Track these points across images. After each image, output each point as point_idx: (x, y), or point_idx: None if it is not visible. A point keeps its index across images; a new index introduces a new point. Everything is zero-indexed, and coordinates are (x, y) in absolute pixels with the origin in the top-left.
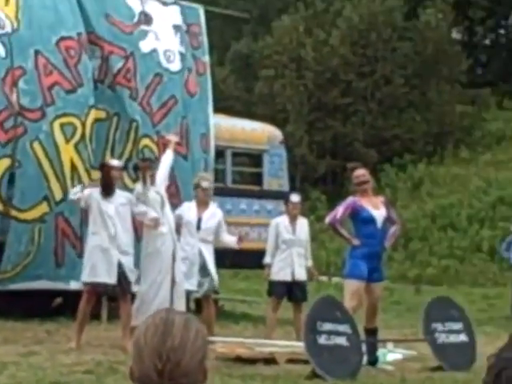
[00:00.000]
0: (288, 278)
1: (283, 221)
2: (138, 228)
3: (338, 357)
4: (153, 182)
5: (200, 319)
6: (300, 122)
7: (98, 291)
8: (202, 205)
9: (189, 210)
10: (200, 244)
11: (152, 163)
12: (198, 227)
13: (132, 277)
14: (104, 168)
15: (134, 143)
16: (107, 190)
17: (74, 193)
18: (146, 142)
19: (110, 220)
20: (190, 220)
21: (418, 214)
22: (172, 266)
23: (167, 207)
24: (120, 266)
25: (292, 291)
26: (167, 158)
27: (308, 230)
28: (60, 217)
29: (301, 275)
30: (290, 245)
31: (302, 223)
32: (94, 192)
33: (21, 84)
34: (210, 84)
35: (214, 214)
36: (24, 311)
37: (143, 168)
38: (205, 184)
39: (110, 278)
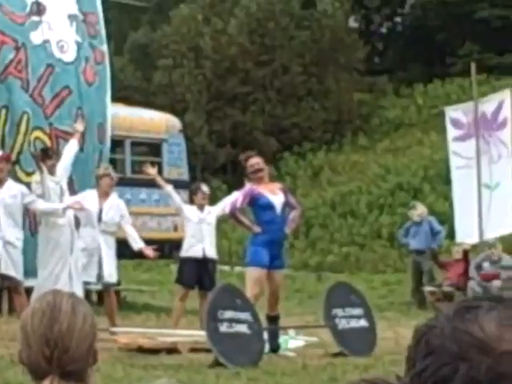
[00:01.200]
0: (199, 254)
1: (191, 208)
2: (32, 221)
3: (239, 344)
4: (53, 173)
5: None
6: (199, 112)
7: None
8: (104, 195)
9: (89, 200)
10: (100, 236)
11: (48, 153)
12: (99, 219)
13: (19, 270)
14: None
15: (25, 135)
16: None
17: None
18: (37, 134)
19: None
20: (91, 211)
21: (318, 202)
22: (69, 258)
23: (66, 198)
24: (4, 257)
25: (201, 278)
26: (71, 148)
27: (215, 217)
28: None
29: (212, 253)
30: (200, 223)
31: (210, 210)
32: None
33: None
34: (108, 73)
35: (115, 205)
36: None
37: (37, 157)
38: (113, 173)
39: None
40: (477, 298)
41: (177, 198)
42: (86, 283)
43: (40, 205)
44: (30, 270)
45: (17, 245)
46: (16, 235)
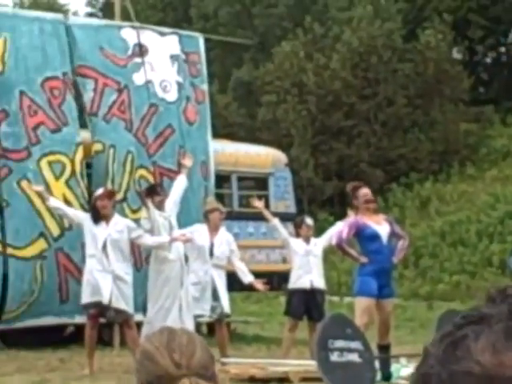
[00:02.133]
0: (307, 285)
1: (297, 241)
2: (137, 257)
3: (351, 373)
4: (161, 208)
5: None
6: (304, 146)
7: (96, 313)
8: (214, 229)
9: (200, 234)
10: (212, 269)
11: (156, 189)
12: (211, 253)
13: (129, 304)
14: (91, 198)
15: (130, 174)
16: (94, 218)
17: None
18: (141, 172)
19: (100, 245)
20: (202, 245)
21: (427, 232)
22: (179, 292)
23: (175, 232)
24: (114, 291)
25: (310, 309)
26: (180, 184)
27: (322, 249)
28: (60, 252)
29: (320, 284)
30: (306, 255)
31: (316, 242)
32: (87, 217)
33: (3, 127)
34: (208, 112)
35: (225, 239)
36: (36, 342)
37: (142, 194)
38: (222, 207)
39: (101, 298)
40: (456, 325)
41: (283, 230)
42: (198, 316)
43: (147, 239)
44: (137, 305)
45: (126, 279)
46: (125, 270)
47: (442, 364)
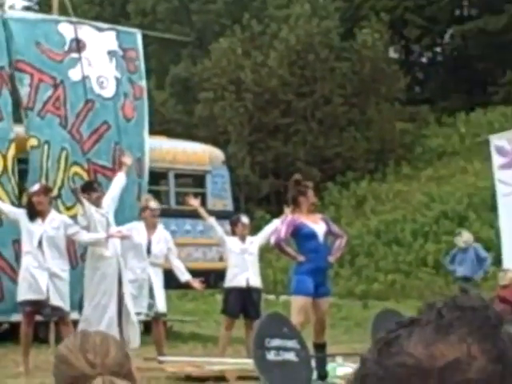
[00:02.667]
0: (243, 283)
1: (233, 239)
2: (72, 255)
3: (287, 372)
4: (98, 205)
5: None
6: (241, 143)
7: (32, 310)
8: (151, 227)
9: (137, 232)
10: (149, 267)
11: (93, 185)
12: (148, 251)
13: (66, 301)
14: (21, 194)
15: (64, 171)
16: (30, 215)
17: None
18: (76, 169)
19: (36, 242)
20: (139, 243)
21: (362, 231)
22: (119, 289)
23: (112, 229)
24: (51, 288)
25: (246, 308)
26: (119, 181)
27: (258, 247)
28: None
29: (256, 282)
30: (242, 253)
31: (252, 240)
32: (22, 214)
33: None
34: (146, 108)
35: (163, 237)
36: None
37: (75, 190)
38: (153, 204)
39: (39, 295)
40: (390, 330)
41: (219, 229)
42: (136, 314)
43: (83, 236)
44: (73, 303)
45: (63, 276)
46: (61, 267)
47: (377, 363)
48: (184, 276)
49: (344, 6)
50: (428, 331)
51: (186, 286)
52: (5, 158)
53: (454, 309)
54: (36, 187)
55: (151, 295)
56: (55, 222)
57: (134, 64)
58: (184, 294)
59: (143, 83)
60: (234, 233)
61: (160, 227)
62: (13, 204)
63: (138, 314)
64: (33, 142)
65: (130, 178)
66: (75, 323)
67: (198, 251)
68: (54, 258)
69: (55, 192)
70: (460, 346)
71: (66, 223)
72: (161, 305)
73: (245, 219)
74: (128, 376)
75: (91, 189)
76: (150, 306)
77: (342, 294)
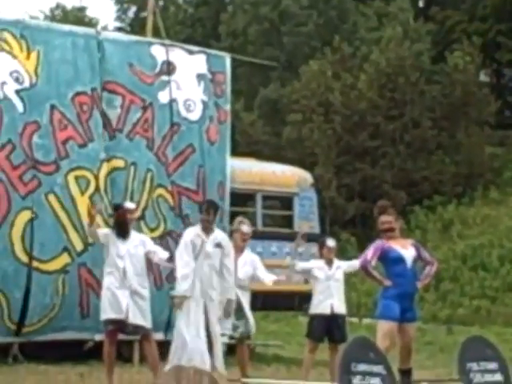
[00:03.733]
0: (327, 311)
1: (318, 263)
2: (156, 275)
3: None
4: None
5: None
6: (328, 165)
7: (114, 329)
8: (238, 250)
9: None
10: (236, 289)
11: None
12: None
13: (146, 318)
14: (119, 210)
15: (149, 193)
16: (122, 232)
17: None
18: (160, 191)
19: (119, 261)
20: None
21: (448, 255)
22: (205, 311)
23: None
24: (130, 307)
25: (331, 330)
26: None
27: (343, 273)
28: (83, 267)
29: (340, 308)
30: (327, 280)
31: (339, 265)
32: (110, 233)
33: (35, 138)
34: (229, 132)
35: (249, 260)
36: (56, 356)
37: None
38: (245, 228)
39: (119, 315)
40: None
41: (304, 265)
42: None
43: (162, 254)
44: (158, 325)
45: (144, 294)
46: (142, 284)
47: None
48: (269, 278)
49: (435, 29)
50: None
51: (269, 307)
52: (96, 177)
53: None
54: (132, 205)
55: (237, 317)
56: (136, 240)
57: (221, 88)
58: (266, 315)
59: (228, 107)
60: (321, 255)
61: (247, 251)
62: (105, 222)
63: (222, 335)
64: (119, 163)
65: None
66: (160, 344)
67: (283, 273)
68: (136, 275)
69: (139, 213)
70: None
71: (145, 242)
72: (251, 323)
73: (331, 242)
74: None
75: (200, 211)
76: (235, 327)
77: (426, 318)
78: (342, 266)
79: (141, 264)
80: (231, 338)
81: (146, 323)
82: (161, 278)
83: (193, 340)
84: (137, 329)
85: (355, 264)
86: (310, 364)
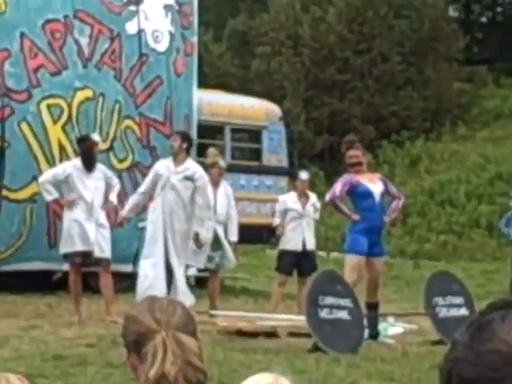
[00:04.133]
0: (299, 247)
1: (291, 197)
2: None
3: (339, 330)
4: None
5: (201, 293)
6: (297, 99)
7: (78, 261)
8: (216, 184)
9: None
10: (215, 224)
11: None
12: (214, 210)
13: (107, 249)
14: (86, 142)
15: (117, 124)
16: (89, 165)
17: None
18: (128, 122)
19: (88, 193)
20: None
21: (416, 190)
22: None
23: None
24: (97, 238)
25: (301, 264)
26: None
27: (317, 204)
28: None
29: (311, 244)
30: (299, 218)
31: (314, 202)
32: (70, 166)
33: (6, 66)
34: (196, 64)
35: (226, 194)
36: (24, 286)
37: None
38: (222, 162)
39: (86, 246)
40: (482, 312)
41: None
42: (189, 266)
43: (113, 196)
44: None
45: (106, 225)
46: (104, 215)
47: (469, 347)
48: (232, 237)
49: None
50: None
51: (239, 240)
52: (70, 106)
53: None
54: (98, 137)
55: (214, 248)
56: (99, 173)
57: (187, 19)
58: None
59: (195, 39)
60: (294, 187)
61: (224, 183)
62: (75, 153)
63: (190, 267)
64: (88, 93)
65: None
66: (129, 276)
67: (251, 206)
68: (100, 207)
69: (108, 144)
70: None
71: (106, 174)
72: (229, 257)
73: (304, 175)
74: (193, 335)
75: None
76: (210, 259)
77: (393, 253)
78: (316, 204)
79: (103, 196)
80: (205, 269)
81: (108, 255)
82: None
83: (153, 269)
84: (100, 261)
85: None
86: (279, 297)
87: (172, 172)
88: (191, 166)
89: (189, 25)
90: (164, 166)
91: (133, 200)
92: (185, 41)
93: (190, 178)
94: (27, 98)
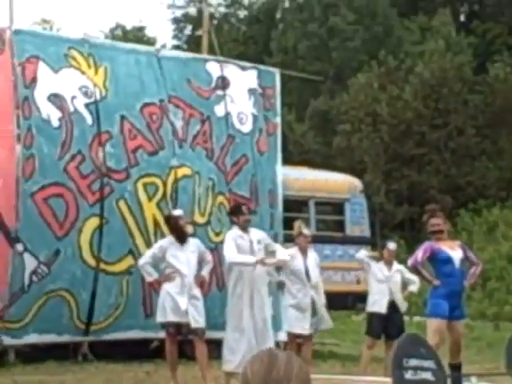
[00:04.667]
0: (383, 309)
1: (379, 264)
2: (219, 275)
3: None
4: (245, 228)
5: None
6: (377, 172)
7: (172, 331)
8: (304, 252)
9: (294, 258)
10: (311, 291)
11: (242, 209)
12: (307, 276)
13: (201, 319)
14: (170, 220)
15: (212, 200)
16: (181, 238)
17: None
18: (221, 199)
19: (182, 266)
20: (298, 268)
21: (494, 256)
22: (251, 311)
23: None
24: (189, 309)
25: (388, 329)
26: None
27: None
28: None
29: (399, 307)
30: (385, 281)
31: (399, 269)
32: (166, 242)
33: (107, 147)
34: (279, 143)
35: (317, 261)
36: (124, 355)
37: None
38: (306, 231)
39: (178, 318)
40: None
41: (363, 254)
42: (299, 336)
43: (207, 269)
44: (218, 325)
45: (199, 296)
46: (196, 286)
47: None
48: (326, 321)
49: (476, 42)
50: None
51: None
52: (165, 184)
53: None
54: (179, 211)
55: (312, 314)
56: (192, 246)
57: (270, 102)
58: None
59: (278, 120)
60: (381, 257)
61: (312, 251)
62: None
63: (302, 335)
64: (186, 171)
65: (263, 208)
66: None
67: (336, 275)
68: (192, 279)
69: (206, 219)
70: None
71: (199, 246)
72: (326, 320)
73: (392, 245)
74: None
75: (240, 212)
76: (312, 325)
77: (474, 315)
78: (402, 271)
79: (196, 268)
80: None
81: (202, 324)
82: (222, 279)
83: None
84: (194, 331)
85: (413, 278)
86: (368, 360)
87: (251, 240)
88: (253, 231)
89: (271, 106)
90: (236, 235)
91: None
92: (267, 122)
93: (260, 242)
94: (125, 178)
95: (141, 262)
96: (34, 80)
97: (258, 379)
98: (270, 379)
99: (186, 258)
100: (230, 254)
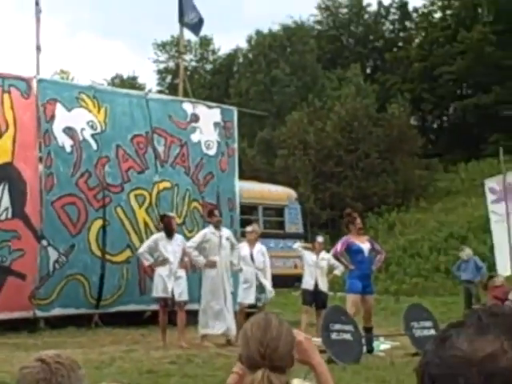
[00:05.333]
0: (312, 287)
1: (310, 253)
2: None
3: (345, 348)
4: (218, 227)
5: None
6: (307, 185)
7: (164, 303)
8: (253, 243)
9: (243, 248)
10: (257, 271)
11: (214, 212)
12: (252, 260)
13: (184, 294)
14: (165, 218)
15: (188, 205)
16: (170, 234)
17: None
18: (195, 204)
19: (169, 255)
20: (245, 255)
21: (393, 247)
22: (223, 289)
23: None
24: (174, 288)
25: (316, 301)
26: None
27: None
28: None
29: (322, 287)
30: (315, 266)
31: (324, 257)
32: (158, 236)
33: (107, 168)
34: (236, 163)
35: (261, 250)
36: (124, 322)
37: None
38: (258, 229)
39: (165, 294)
40: (444, 330)
41: (300, 249)
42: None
43: (193, 253)
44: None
45: (182, 276)
46: (180, 269)
47: (435, 354)
48: (269, 291)
49: (379, 88)
50: (471, 331)
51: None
52: (150, 195)
53: (490, 315)
54: (173, 214)
55: (259, 291)
56: (178, 240)
57: (229, 132)
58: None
59: (235, 145)
60: (313, 248)
61: (259, 244)
62: (156, 228)
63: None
64: (167, 184)
65: (225, 212)
66: (196, 312)
67: (279, 261)
68: (177, 264)
69: (181, 220)
70: (495, 342)
71: (183, 241)
72: (268, 290)
73: (320, 239)
74: (284, 369)
75: (213, 214)
76: (258, 300)
77: (380, 291)
78: (325, 258)
79: (180, 256)
80: (253, 306)
81: (185, 298)
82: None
83: (219, 307)
84: (179, 303)
85: (337, 264)
86: (306, 323)
87: (221, 235)
88: (225, 230)
89: (230, 136)
90: (210, 232)
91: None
92: (228, 147)
93: (228, 239)
94: (121, 190)
95: (140, 250)
96: (52, 117)
97: (255, 339)
98: (265, 338)
99: (172, 249)
100: (191, 244)
